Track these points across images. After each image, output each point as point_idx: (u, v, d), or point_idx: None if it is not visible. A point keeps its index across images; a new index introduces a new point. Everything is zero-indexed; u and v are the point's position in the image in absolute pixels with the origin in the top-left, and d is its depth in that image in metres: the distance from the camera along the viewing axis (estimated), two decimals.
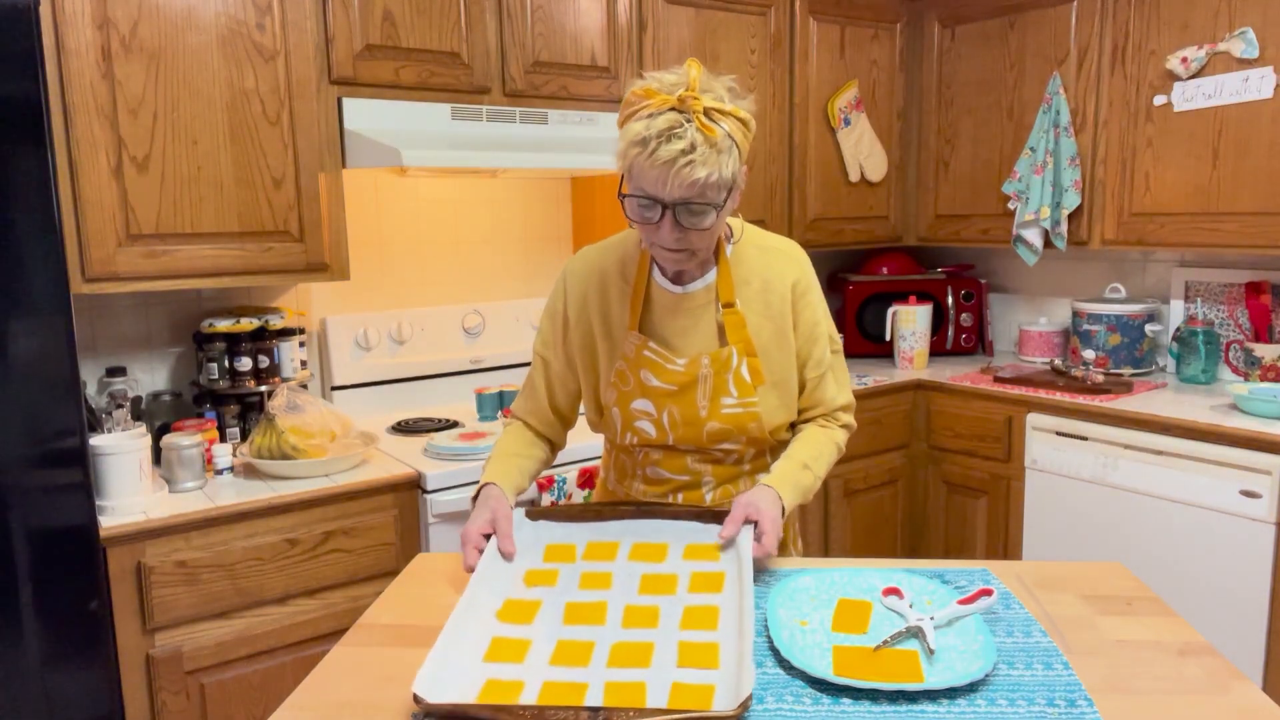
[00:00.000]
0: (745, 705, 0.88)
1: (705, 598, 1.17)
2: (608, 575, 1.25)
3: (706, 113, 1.20)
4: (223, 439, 2.15)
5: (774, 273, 1.43)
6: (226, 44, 1.96)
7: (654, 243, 1.30)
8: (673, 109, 1.20)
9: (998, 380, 2.87)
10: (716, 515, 1.35)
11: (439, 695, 0.93)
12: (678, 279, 1.42)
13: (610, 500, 1.52)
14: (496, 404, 2.50)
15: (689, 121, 1.19)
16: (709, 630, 1.09)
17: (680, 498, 1.47)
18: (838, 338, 1.51)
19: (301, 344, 2.31)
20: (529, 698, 0.96)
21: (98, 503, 1.73)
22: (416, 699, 0.91)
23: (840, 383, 1.50)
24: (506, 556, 1.28)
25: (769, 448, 1.49)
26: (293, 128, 2.05)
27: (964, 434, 2.90)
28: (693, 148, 1.18)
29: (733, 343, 1.38)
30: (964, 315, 3.32)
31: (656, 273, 1.43)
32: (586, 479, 2.16)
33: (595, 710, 0.91)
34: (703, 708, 0.92)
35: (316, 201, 2.11)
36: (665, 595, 1.19)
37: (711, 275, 1.42)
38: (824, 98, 3.04)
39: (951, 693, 0.97)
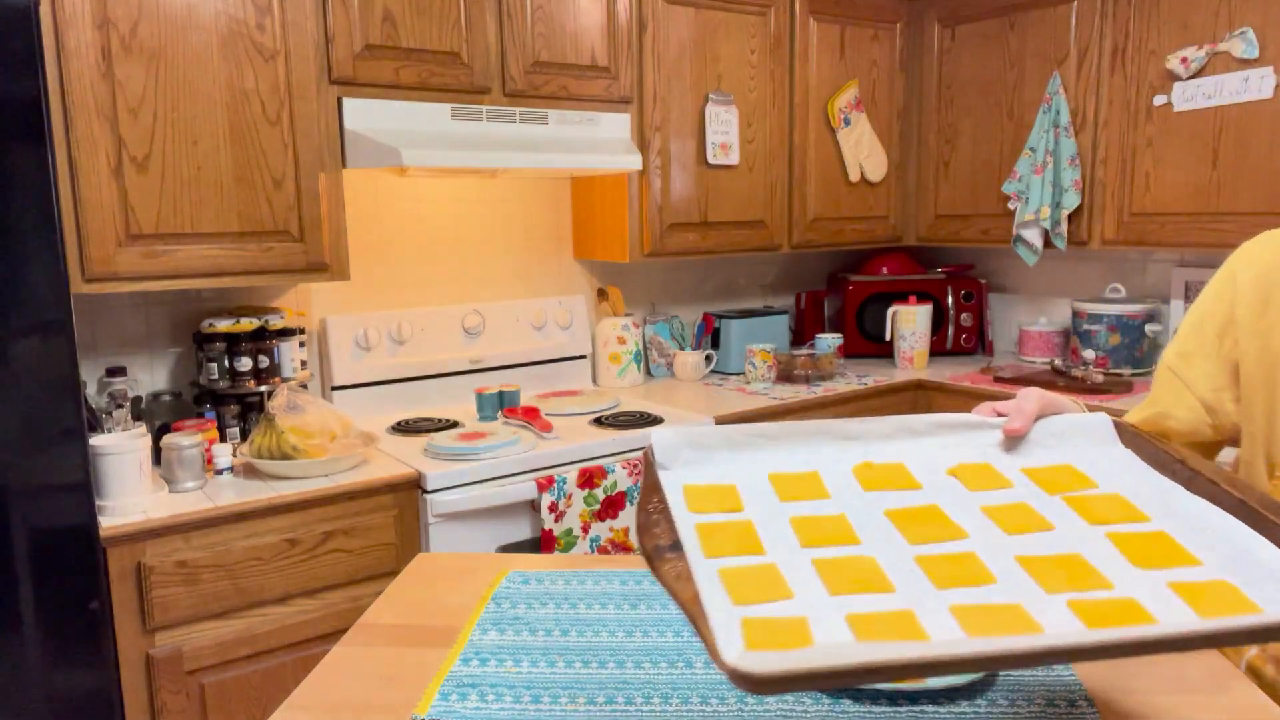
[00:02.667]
0: None
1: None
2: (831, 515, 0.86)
3: None
4: (223, 439, 2.15)
5: None
6: (226, 44, 1.96)
7: None
8: None
9: (998, 380, 2.87)
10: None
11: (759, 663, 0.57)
12: None
13: None
14: (496, 404, 2.50)
15: None
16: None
17: None
18: None
19: (301, 344, 2.31)
20: (834, 636, 0.64)
21: (98, 503, 1.73)
22: (738, 675, 0.56)
23: None
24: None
25: None
26: (293, 128, 2.06)
27: None
28: None
29: None
30: (964, 315, 3.32)
31: None
32: (587, 479, 2.16)
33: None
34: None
35: (316, 201, 2.11)
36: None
37: None
38: (824, 98, 3.04)
39: (951, 693, 0.97)
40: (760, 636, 0.63)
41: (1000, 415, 0.97)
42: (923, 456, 0.96)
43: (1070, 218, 2.86)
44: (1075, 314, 3.02)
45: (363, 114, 2.14)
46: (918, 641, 0.61)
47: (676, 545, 0.76)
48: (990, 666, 0.59)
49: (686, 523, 0.82)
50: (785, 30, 2.91)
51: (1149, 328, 2.90)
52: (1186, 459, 0.83)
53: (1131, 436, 0.93)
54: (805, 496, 0.88)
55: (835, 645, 0.62)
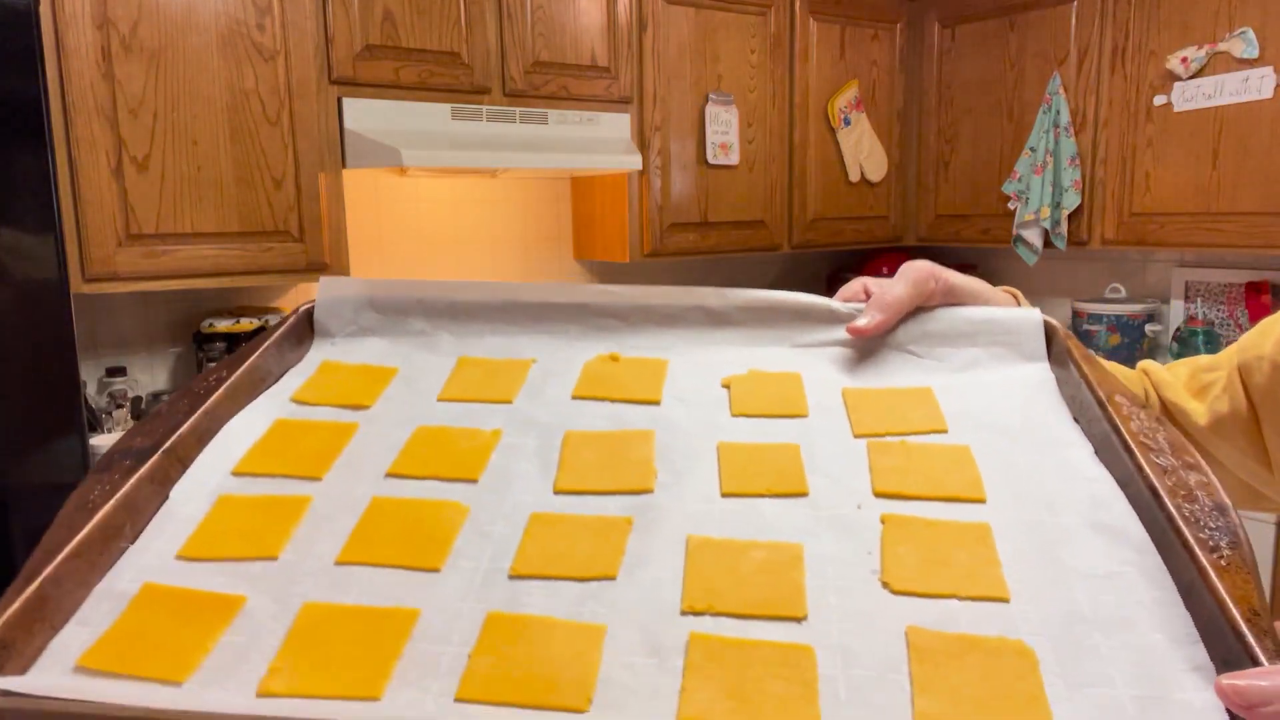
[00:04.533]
0: None
1: None
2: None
3: None
4: None
5: None
6: (226, 44, 1.96)
7: None
8: None
9: None
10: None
11: None
12: None
13: None
14: None
15: None
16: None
17: None
18: None
19: None
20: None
21: None
22: None
23: None
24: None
25: None
26: (293, 128, 2.05)
27: None
28: None
29: None
30: None
31: None
32: None
33: None
34: None
35: (316, 201, 2.11)
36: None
37: None
38: (824, 98, 3.04)
39: None
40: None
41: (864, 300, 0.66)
42: (702, 356, 0.65)
43: (1070, 218, 2.86)
44: (1075, 314, 3.02)
45: (363, 114, 2.14)
46: None
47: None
48: None
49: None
50: (785, 30, 2.91)
51: (1149, 328, 2.90)
52: (1116, 406, 0.52)
53: (1065, 353, 0.60)
54: (477, 396, 0.62)
55: None
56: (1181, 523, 0.43)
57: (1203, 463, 0.46)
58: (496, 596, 0.46)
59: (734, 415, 0.59)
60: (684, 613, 0.44)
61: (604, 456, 0.56)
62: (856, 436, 0.57)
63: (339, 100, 2.12)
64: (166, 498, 0.51)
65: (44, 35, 1.73)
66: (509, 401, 0.61)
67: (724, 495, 0.52)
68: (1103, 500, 0.49)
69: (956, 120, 3.17)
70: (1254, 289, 2.70)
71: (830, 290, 0.69)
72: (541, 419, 0.59)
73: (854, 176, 3.15)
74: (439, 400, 0.62)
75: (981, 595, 0.45)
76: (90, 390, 2.08)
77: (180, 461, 0.53)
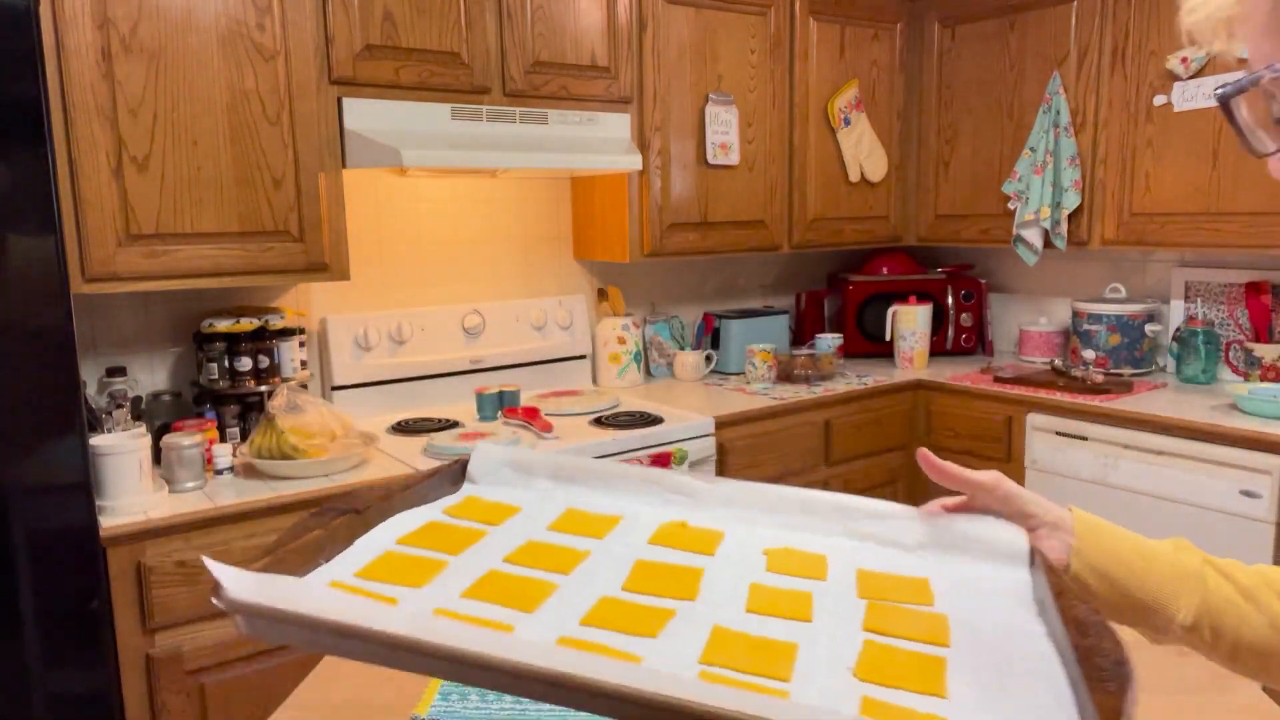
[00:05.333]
0: None
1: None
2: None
3: None
4: (223, 439, 2.15)
5: None
6: (226, 44, 1.96)
7: None
8: None
9: (998, 380, 2.87)
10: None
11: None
12: None
13: None
14: (496, 404, 2.50)
15: None
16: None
17: None
18: None
19: (301, 344, 2.31)
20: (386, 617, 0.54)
21: (98, 503, 1.73)
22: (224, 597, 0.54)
23: None
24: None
25: None
26: (293, 128, 2.05)
27: (964, 434, 2.90)
28: None
29: None
30: (964, 315, 3.32)
31: None
32: None
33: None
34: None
35: (316, 201, 2.11)
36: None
37: None
38: (824, 98, 3.04)
39: None
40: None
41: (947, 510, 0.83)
42: (751, 530, 0.83)
43: (1070, 218, 2.86)
44: (1075, 314, 3.02)
45: (363, 114, 2.14)
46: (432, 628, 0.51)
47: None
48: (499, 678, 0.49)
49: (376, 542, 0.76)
50: (785, 30, 2.91)
51: (1149, 328, 2.90)
52: (1072, 605, 0.64)
53: (1047, 567, 0.73)
54: (577, 532, 0.81)
55: (327, 597, 0.56)
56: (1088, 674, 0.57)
57: (1114, 634, 0.59)
58: (567, 630, 0.64)
59: (767, 570, 0.77)
60: (700, 662, 0.61)
61: (661, 575, 0.74)
62: (859, 597, 0.73)
63: (339, 100, 2.12)
64: (352, 544, 0.74)
65: (44, 35, 1.74)
66: (600, 538, 0.81)
67: (747, 611, 0.69)
68: (1043, 655, 0.63)
69: (956, 120, 3.17)
70: (1254, 289, 2.71)
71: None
72: (619, 552, 0.78)
73: (854, 176, 3.15)
74: (548, 529, 0.82)
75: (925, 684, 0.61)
76: (90, 390, 2.08)
77: (365, 525, 0.77)
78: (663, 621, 0.66)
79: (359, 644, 0.51)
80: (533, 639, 0.58)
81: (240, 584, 0.54)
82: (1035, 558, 0.75)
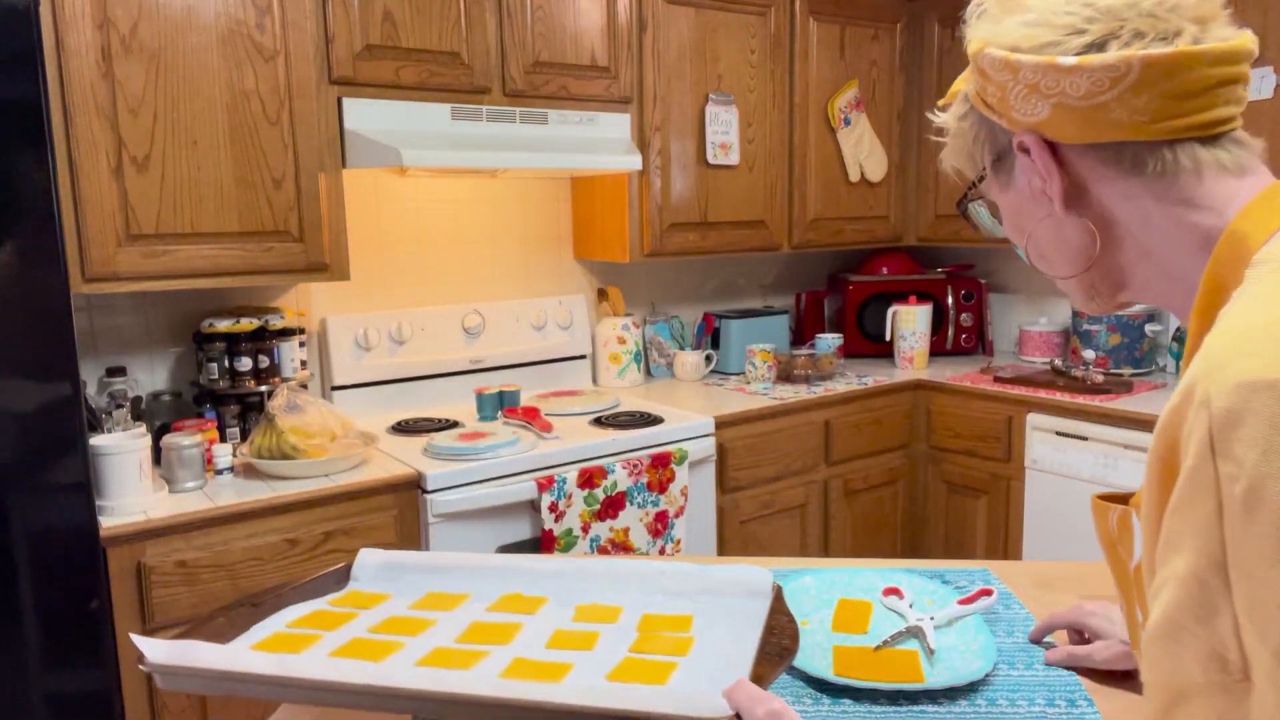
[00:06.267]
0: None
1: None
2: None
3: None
4: (223, 439, 2.15)
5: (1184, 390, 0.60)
6: (226, 44, 1.96)
7: None
8: None
9: (998, 380, 2.87)
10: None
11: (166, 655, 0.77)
12: None
13: None
14: (496, 404, 2.50)
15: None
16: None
17: None
18: None
19: (301, 344, 2.31)
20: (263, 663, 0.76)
21: (98, 503, 1.73)
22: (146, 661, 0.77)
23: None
24: None
25: None
26: (293, 128, 2.05)
27: (964, 434, 2.90)
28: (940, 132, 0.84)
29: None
30: (964, 315, 3.32)
31: None
32: (587, 479, 2.16)
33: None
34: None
35: (316, 201, 2.11)
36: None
37: None
38: (824, 98, 3.04)
39: (951, 693, 0.97)
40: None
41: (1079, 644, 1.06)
42: (571, 593, 1.02)
43: None
44: (1075, 314, 3.02)
45: (363, 114, 2.14)
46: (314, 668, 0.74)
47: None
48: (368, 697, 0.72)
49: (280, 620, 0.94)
50: (785, 30, 2.91)
51: (1149, 328, 2.90)
52: (778, 637, 0.86)
53: (775, 598, 0.95)
54: (432, 608, 0.99)
55: (238, 653, 0.76)
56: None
57: (795, 634, 0.86)
58: (399, 668, 0.78)
59: (573, 620, 0.97)
60: (496, 677, 0.80)
61: (488, 630, 0.94)
62: (637, 631, 0.94)
63: (339, 100, 2.12)
64: (248, 630, 0.91)
65: (44, 35, 1.74)
66: (450, 610, 1.00)
67: (546, 647, 0.91)
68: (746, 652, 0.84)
69: None
70: None
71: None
72: (461, 618, 0.98)
73: (854, 176, 3.15)
74: (409, 608, 0.99)
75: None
76: (90, 390, 2.08)
77: (261, 614, 0.94)
78: (477, 659, 0.85)
79: (240, 685, 0.74)
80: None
81: (155, 650, 0.75)
82: (775, 593, 0.96)
